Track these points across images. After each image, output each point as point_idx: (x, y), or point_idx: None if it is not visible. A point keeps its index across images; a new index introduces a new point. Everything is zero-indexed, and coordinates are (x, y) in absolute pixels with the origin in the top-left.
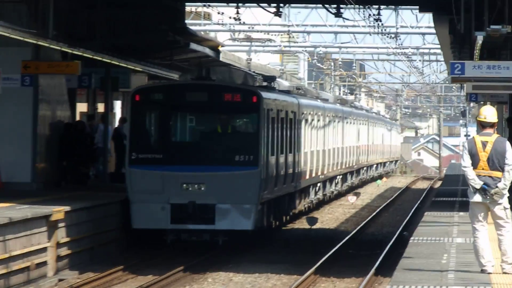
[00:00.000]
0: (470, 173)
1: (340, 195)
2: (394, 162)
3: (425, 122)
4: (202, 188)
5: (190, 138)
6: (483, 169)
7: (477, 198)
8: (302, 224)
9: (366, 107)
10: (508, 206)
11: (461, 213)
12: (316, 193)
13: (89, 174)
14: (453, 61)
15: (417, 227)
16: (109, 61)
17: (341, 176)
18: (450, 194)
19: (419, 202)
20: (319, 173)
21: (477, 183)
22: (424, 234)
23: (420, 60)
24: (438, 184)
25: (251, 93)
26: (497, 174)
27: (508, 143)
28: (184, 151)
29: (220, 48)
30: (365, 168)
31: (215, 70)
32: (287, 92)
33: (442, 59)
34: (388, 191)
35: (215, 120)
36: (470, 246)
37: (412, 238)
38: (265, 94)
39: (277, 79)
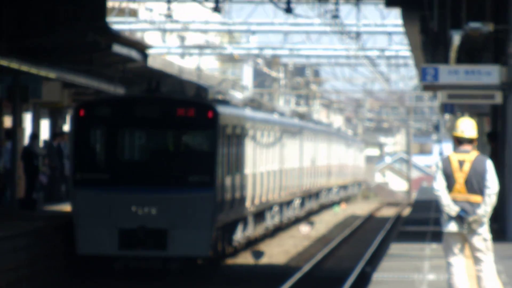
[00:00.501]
0: (444, 198)
1: (298, 220)
2: (356, 185)
3: (392, 137)
4: (153, 212)
5: (140, 157)
6: (459, 192)
7: (453, 227)
8: (246, 258)
9: (325, 123)
10: (488, 236)
11: (434, 245)
12: (272, 217)
13: None
14: (425, 65)
15: (382, 262)
16: (17, 67)
17: (299, 200)
18: (421, 222)
19: (384, 232)
20: (276, 196)
21: (453, 210)
22: (389, 270)
23: (385, 65)
24: (406, 211)
25: (207, 107)
26: (476, 198)
27: (489, 162)
28: (134, 171)
29: (149, 51)
30: (324, 192)
31: (165, 82)
32: (241, 106)
33: (412, 63)
34: (348, 220)
35: (167, 137)
36: (444, 284)
37: (375, 274)
38: (221, 109)
39: (230, 91)
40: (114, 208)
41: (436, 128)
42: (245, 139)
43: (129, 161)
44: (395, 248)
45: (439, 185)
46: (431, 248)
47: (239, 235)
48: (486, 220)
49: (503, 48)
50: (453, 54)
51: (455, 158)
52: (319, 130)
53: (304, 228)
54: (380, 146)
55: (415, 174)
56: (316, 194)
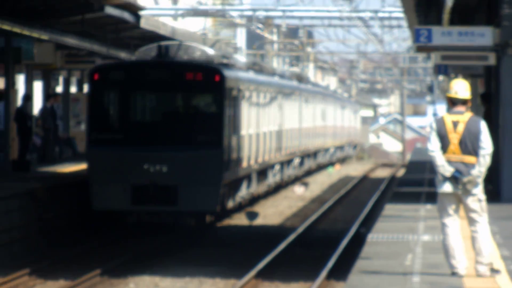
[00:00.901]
0: (439, 158)
1: (297, 179)
2: (351, 146)
3: (386, 99)
4: (164, 169)
5: (151, 118)
6: (454, 153)
7: (447, 187)
8: (240, 219)
9: (322, 85)
10: (483, 197)
11: (428, 206)
12: (274, 175)
13: None
14: (418, 26)
15: (376, 223)
16: (9, 28)
17: (299, 159)
18: (415, 183)
19: (378, 193)
20: (278, 155)
21: (447, 170)
22: (384, 231)
23: (379, 26)
24: (401, 172)
25: (214, 71)
26: (471, 159)
27: (483, 123)
28: (145, 131)
29: (141, 13)
30: (322, 152)
31: (173, 47)
32: (245, 69)
33: (405, 24)
34: (342, 181)
35: (176, 100)
36: (438, 245)
37: (370, 235)
38: (226, 72)
39: (234, 55)
40: (127, 166)
41: (430, 89)
42: (249, 101)
43: (141, 122)
44: (389, 209)
45: (434, 146)
46: (425, 209)
47: (244, 192)
48: (480, 181)
49: (496, 9)
50: (446, 15)
51: (449, 119)
52: (317, 92)
53: (298, 189)
54: (374, 107)
55: (409, 135)
56: (314, 154)
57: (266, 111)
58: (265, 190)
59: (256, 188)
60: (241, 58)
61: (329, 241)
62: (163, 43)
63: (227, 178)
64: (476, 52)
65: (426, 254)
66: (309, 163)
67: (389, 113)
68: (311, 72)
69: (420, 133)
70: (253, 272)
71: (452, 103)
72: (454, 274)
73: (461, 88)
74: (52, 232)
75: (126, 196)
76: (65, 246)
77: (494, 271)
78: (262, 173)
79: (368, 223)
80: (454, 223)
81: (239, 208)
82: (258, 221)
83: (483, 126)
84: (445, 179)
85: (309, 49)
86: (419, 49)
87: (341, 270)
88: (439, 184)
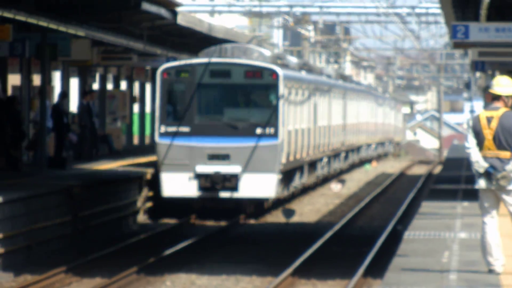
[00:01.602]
0: (474, 155)
1: (342, 172)
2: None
3: (423, 95)
4: (227, 159)
5: (215, 113)
6: (489, 149)
7: (482, 184)
8: (277, 217)
9: (364, 83)
10: None
11: (465, 203)
12: (322, 168)
13: (21, 158)
14: (456, 23)
15: (413, 220)
16: (45, 24)
17: (344, 154)
18: (452, 180)
19: (415, 190)
20: (326, 149)
21: (481, 166)
22: (421, 228)
23: (416, 22)
24: (438, 169)
25: (271, 71)
26: (506, 154)
27: None
28: (209, 125)
29: (178, 9)
30: (364, 147)
31: (233, 48)
32: (297, 69)
33: (442, 21)
34: (379, 178)
35: (238, 96)
36: (475, 242)
37: (407, 233)
38: (282, 72)
39: (286, 56)
40: (193, 156)
41: (467, 86)
42: (301, 98)
43: (205, 116)
44: (426, 206)
45: (470, 143)
46: (462, 206)
47: (297, 181)
48: None
49: None
50: (483, 11)
51: (483, 115)
52: (359, 90)
53: (335, 186)
54: (411, 104)
55: (446, 132)
56: (357, 149)
57: (316, 107)
58: (314, 181)
59: (307, 178)
60: (292, 59)
61: (366, 239)
62: (225, 45)
63: (283, 168)
64: None
65: (463, 251)
66: (352, 158)
67: (426, 110)
68: (348, 69)
69: (457, 130)
70: (289, 270)
71: (492, 98)
72: (491, 271)
73: (500, 83)
74: (88, 230)
75: (192, 184)
76: (101, 244)
77: None
78: (312, 165)
79: (405, 220)
80: (492, 220)
81: (292, 197)
82: (295, 219)
83: None
84: (480, 175)
85: (345, 45)
86: (456, 45)
87: (378, 268)
88: (476, 180)
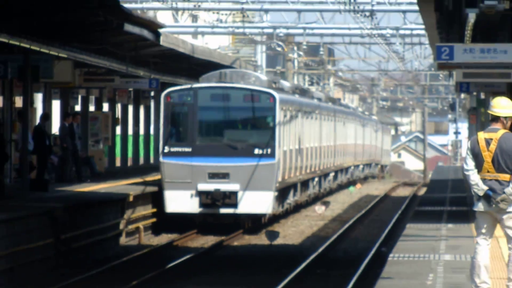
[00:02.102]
0: (473, 178)
1: (332, 192)
2: (379, 165)
3: (407, 117)
4: (226, 178)
5: (215, 134)
6: (488, 171)
7: (481, 206)
8: (260, 239)
9: (351, 106)
10: None
11: (450, 225)
12: (313, 187)
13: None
14: (440, 44)
15: (398, 242)
16: (28, 46)
17: (333, 173)
18: (437, 202)
19: (399, 212)
20: (317, 168)
21: (480, 189)
22: (405, 250)
23: (400, 43)
24: (422, 191)
25: (268, 94)
26: (505, 177)
27: None
28: (210, 145)
29: (161, 30)
30: (353, 168)
31: (232, 73)
32: (291, 93)
33: (427, 42)
34: (363, 200)
35: (237, 118)
36: (460, 264)
37: (391, 255)
38: (278, 96)
39: (280, 80)
40: (195, 175)
41: (452, 107)
42: (296, 120)
43: (206, 137)
44: (411, 228)
45: (468, 165)
46: (447, 228)
47: (291, 199)
48: None
49: None
50: (468, 32)
51: (482, 137)
52: (347, 113)
53: (319, 208)
54: (395, 125)
55: (430, 153)
56: (346, 170)
57: (308, 129)
58: (305, 199)
59: (299, 196)
60: (286, 83)
61: (350, 261)
62: (224, 70)
63: (278, 186)
64: (498, 70)
65: (447, 273)
66: (341, 178)
67: (410, 132)
68: (332, 90)
69: (441, 152)
70: None
71: (491, 120)
72: None
73: (499, 105)
74: (71, 252)
75: (194, 201)
76: (83, 267)
77: None
78: (304, 184)
79: (390, 242)
80: (485, 243)
81: (286, 213)
82: (279, 241)
83: None
84: (479, 197)
85: (329, 66)
86: (441, 66)
87: None
88: (475, 203)
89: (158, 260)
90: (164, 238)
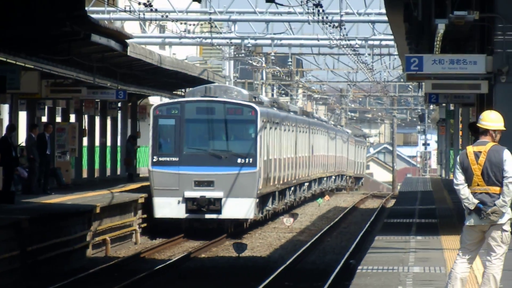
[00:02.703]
0: (464, 192)
1: (306, 201)
2: (351, 177)
3: (375, 128)
4: (211, 185)
5: (201, 144)
6: (478, 185)
7: (472, 221)
8: (228, 251)
9: (323, 119)
10: (508, 228)
11: (419, 237)
12: (289, 195)
13: None
14: (409, 54)
15: (366, 254)
16: None
17: (308, 183)
18: (406, 214)
19: (368, 224)
20: (293, 178)
21: (471, 203)
22: (374, 263)
23: (369, 54)
24: (391, 203)
25: (250, 108)
26: (495, 189)
27: (506, 152)
28: (196, 155)
29: (128, 41)
30: (325, 179)
31: (215, 88)
32: (269, 106)
33: (396, 52)
34: (332, 212)
35: (221, 130)
36: (429, 277)
37: (360, 267)
38: (259, 109)
39: (260, 95)
40: (182, 182)
41: (421, 118)
42: (274, 131)
43: (193, 147)
44: (379, 240)
45: (458, 179)
46: (416, 240)
47: (270, 206)
48: (507, 210)
49: (488, 37)
50: (437, 43)
51: (471, 150)
52: (321, 125)
53: (287, 220)
54: (364, 137)
55: (399, 165)
56: (319, 180)
57: (285, 140)
58: (282, 207)
59: (278, 204)
60: (264, 97)
61: (318, 273)
62: (208, 85)
63: (259, 193)
64: (468, 81)
65: (416, 286)
66: (315, 188)
67: (379, 143)
68: (300, 101)
69: (410, 163)
70: None
71: (480, 133)
72: None
73: (488, 118)
74: (37, 264)
75: (181, 207)
76: (50, 279)
77: None
78: (282, 192)
79: (358, 254)
80: (467, 256)
81: (265, 219)
82: (246, 253)
83: (507, 154)
84: (471, 212)
85: (298, 77)
86: (410, 77)
87: None
88: (466, 217)
89: (125, 272)
90: (131, 251)
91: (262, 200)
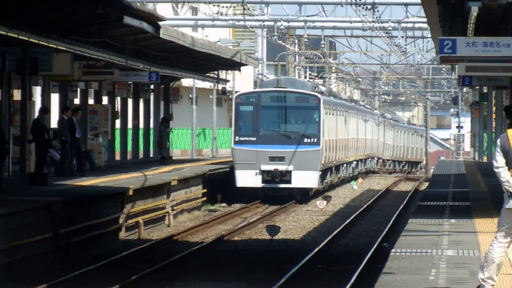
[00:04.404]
0: (504, 175)
1: (355, 177)
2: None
3: (409, 111)
4: (283, 160)
5: (274, 127)
6: None
7: (511, 203)
8: (261, 234)
9: (369, 106)
10: None
11: (452, 220)
12: (343, 171)
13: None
14: (443, 37)
15: (400, 237)
16: (26, 38)
17: (355, 162)
18: (439, 197)
19: (401, 207)
20: (345, 156)
21: (511, 186)
22: (407, 246)
23: (402, 37)
24: (424, 186)
25: (315, 96)
26: None
27: None
28: (270, 135)
29: (161, 23)
30: (365, 161)
31: (285, 80)
32: (327, 95)
33: (429, 35)
34: (365, 195)
35: (290, 115)
36: (463, 260)
37: (393, 250)
38: (323, 97)
39: (319, 85)
40: (259, 158)
41: (454, 101)
42: (332, 117)
43: (267, 129)
44: (413, 223)
45: (499, 162)
46: (449, 223)
47: (328, 178)
48: None
49: None
50: (471, 26)
51: None
52: (366, 111)
53: (320, 203)
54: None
55: (433, 148)
56: (365, 161)
57: (339, 124)
58: (337, 180)
59: (334, 177)
60: (322, 87)
61: (351, 256)
62: (279, 77)
63: (321, 167)
64: (502, 64)
65: (450, 269)
66: (365, 165)
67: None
68: (333, 84)
69: (444, 146)
70: None
71: None
72: (479, 287)
73: None
74: (70, 247)
75: (258, 178)
76: (82, 261)
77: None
78: (336, 168)
79: (391, 237)
80: (504, 241)
81: (324, 189)
82: (280, 235)
83: None
84: (511, 194)
85: (331, 60)
86: (443, 60)
87: (364, 286)
88: (505, 200)
89: (158, 254)
90: (164, 233)
91: (323, 174)
